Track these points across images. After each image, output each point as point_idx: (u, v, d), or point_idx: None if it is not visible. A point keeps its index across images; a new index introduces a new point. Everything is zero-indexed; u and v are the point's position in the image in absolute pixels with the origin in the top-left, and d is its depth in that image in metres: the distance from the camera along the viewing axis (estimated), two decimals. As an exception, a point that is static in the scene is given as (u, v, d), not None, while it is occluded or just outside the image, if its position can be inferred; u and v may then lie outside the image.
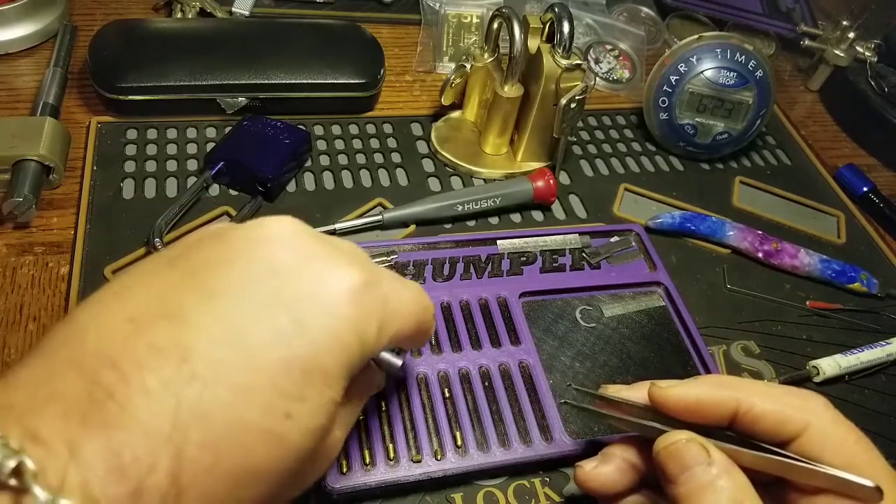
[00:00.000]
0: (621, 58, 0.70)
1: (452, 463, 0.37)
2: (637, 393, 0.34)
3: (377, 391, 0.34)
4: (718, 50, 0.58)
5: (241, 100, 0.55)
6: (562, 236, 0.50)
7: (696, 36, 0.59)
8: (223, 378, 0.22)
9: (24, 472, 0.18)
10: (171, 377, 0.21)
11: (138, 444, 0.20)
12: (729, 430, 0.31)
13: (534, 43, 0.53)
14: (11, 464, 0.18)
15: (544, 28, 0.53)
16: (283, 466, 0.23)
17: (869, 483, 0.27)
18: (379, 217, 0.50)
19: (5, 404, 0.20)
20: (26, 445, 0.19)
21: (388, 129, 0.59)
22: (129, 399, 0.20)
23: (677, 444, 0.29)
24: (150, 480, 0.20)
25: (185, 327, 0.22)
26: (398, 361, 0.30)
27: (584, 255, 0.49)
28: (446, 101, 0.58)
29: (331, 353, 0.24)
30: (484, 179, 0.56)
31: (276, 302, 0.24)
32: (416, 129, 0.60)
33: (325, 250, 0.26)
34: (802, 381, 0.46)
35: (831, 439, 0.29)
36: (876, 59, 0.71)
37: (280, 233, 0.26)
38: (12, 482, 0.18)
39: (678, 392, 0.31)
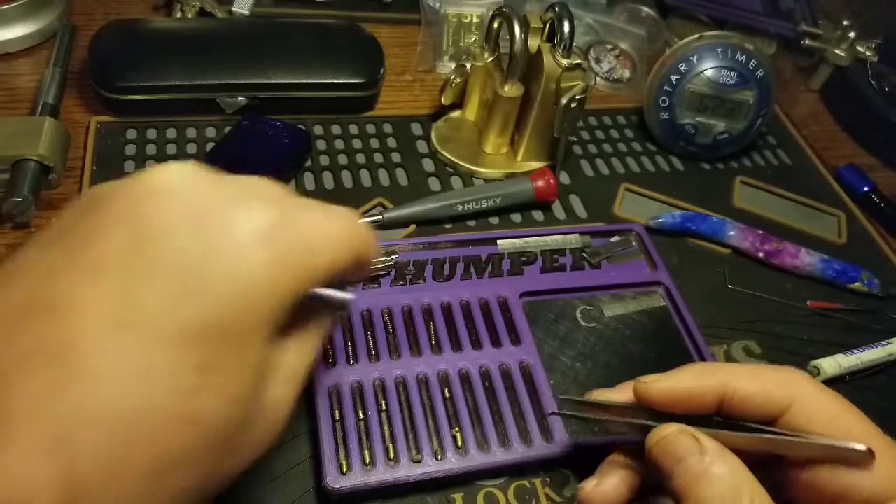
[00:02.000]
0: (622, 57, 0.70)
1: (453, 463, 0.37)
2: (624, 395, 0.34)
3: (330, 331, 0.31)
4: (719, 49, 0.58)
5: (241, 99, 0.55)
6: (562, 236, 0.50)
7: (696, 35, 0.59)
8: (115, 368, 0.19)
9: None
10: (53, 380, 0.19)
11: (18, 466, 0.18)
12: (718, 416, 0.31)
13: (534, 42, 0.53)
14: None
15: (545, 27, 0.53)
16: (207, 446, 0.21)
17: (859, 446, 0.27)
18: (379, 217, 0.50)
19: None
20: None
21: (388, 128, 0.59)
22: (9, 412, 0.18)
23: (667, 437, 0.29)
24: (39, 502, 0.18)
25: (68, 316, 0.20)
26: (343, 296, 0.27)
27: (584, 254, 0.49)
28: (446, 100, 0.58)
29: (242, 309, 0.22)
30: (484, 179, 0.56)
31: (169, 265, 0.21)
32: (416, 128, 0.59)
33: (224, 193, 0.23)
34: (803, 381, 0.46)
35: (818, 410, 0.29)
36: (877, 59, 0.70)
37: (167, 183, 0.23)
38: None
39: (663, 385, 0.31)
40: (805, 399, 0.29)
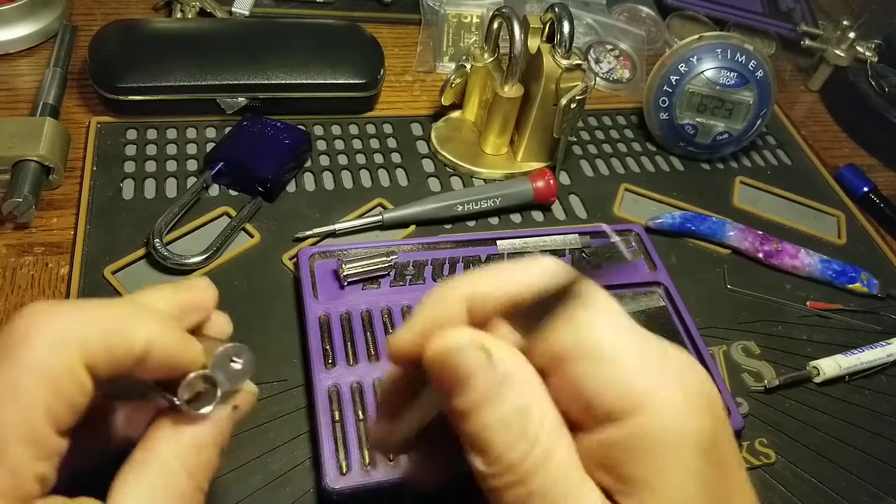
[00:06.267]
0: (621, 58, 0.70)
1: (452, 463, 0.37)
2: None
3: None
4: (719, 50, 0.58)
5: (241, 100, 0.55)
6: (562, 236, 0.50)
7: (696, 36, 0.59)
8: None
9: None
10: None
11: None
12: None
13: (534, 43, 0.53)
14: None
15: (544, 28, 0.53)
16: None
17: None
18: (379, 217, 0.50)
19: None
20: None
21: (388, 129, 0.59)
22: None
23: (449, 350, 0.23)
24: None
25: None
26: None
27: (584, 255, 0.49)
28: (446, 101, 0.58)
29: None
30: (484, 180, 0.56)
31: None
32: (416, 129, 0.59)
33: None
34: (803, 381, 0.46)
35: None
36: (876, 59, 0.70)
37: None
38: None
39: (404, 337, 0.25)
40: (541, 276, 0.24)
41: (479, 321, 0.24)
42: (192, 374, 0.24)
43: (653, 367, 0.22)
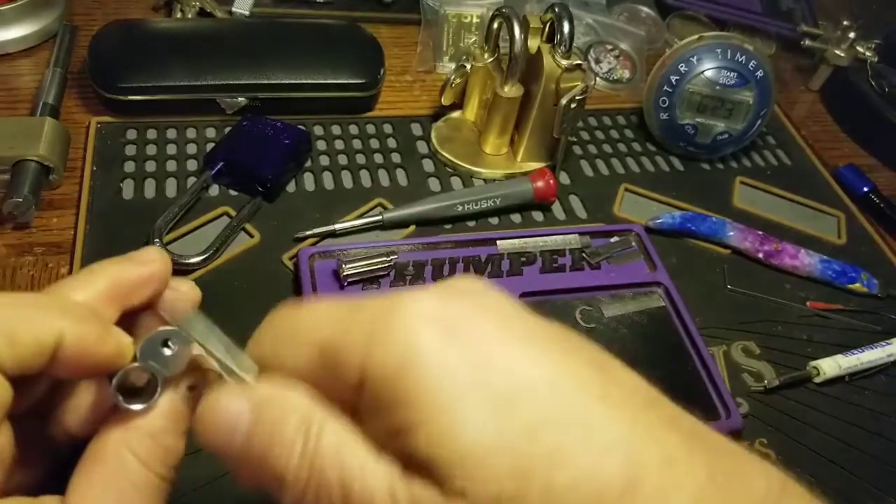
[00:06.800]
0: (621, 58, 0.70)
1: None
2: None
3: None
4: (719, 50, 0.58)
5: (241, 100, 0.55)
6: (562, 236, 0.50)
7: (696, 36, 0.59)
8: None
9: None
10: None
11: None
12: None
13: (534, 43, 0.53)
14: None
15: (544, 28, 0.53)
16: None
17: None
18: (379, 217, 0.50)
19: None
20: None
21: (388, 129, 0.59)
22: None
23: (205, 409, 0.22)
24: None
25: None
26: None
27: (584, 255, 0.49)
28: (446, 101, 0.58)
29: None
30: (484, 179, 0.56)
31: None
32: (416, 129, 0.59)
33: None
34: (803, 381, 0.46)
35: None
36: (876, 59, 0.70)
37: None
38: None
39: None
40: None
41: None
42: (126, 368, 0.23)
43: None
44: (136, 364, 0.23)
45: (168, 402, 0.24)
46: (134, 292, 0.25)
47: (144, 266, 0.26)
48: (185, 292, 0.26)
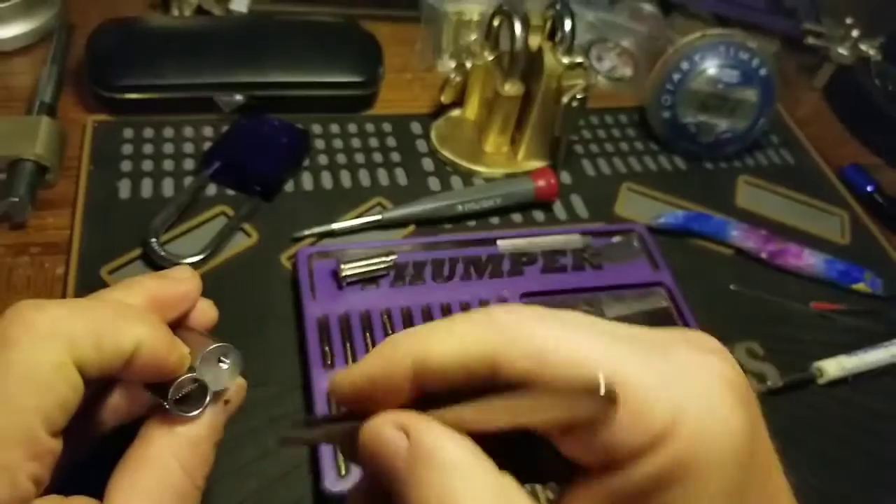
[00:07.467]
0: (623, 56, 0.69)
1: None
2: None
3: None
4: (722, 48, 0.57)
5: (239, 98, 0.54)
6: (563, 236, 0.50)
7: (699, 34, 0.58)
8: None
9: None
10: None
11: None
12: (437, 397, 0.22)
13: (535, 41, 0.52)
14: None
15: (545, 26, 0.53)
16: None
17: (599, 383, 0.18)
18: (378, 217, 0.50)
19: None
20: None
21: (387, 127, 0.58)
22: None
23: (370, 432, 0.21)
24: None
25: None
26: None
27: (585, 255, 0.49)
28: (446, 99, 0.57)
29: None
30: (484, 179, 0.56)
31: None
32: (416, 127, 0.59)
33: None
34: (806, 382, 0.46)
35: (525, 349, 0.20)
36: (881, 58, 0.70)
37: None
38: None
39: (344, 379, 0.23)
40: (505, 343, 0.20)
41: (423, 383, 0.22)
42: (182, 378, 0.24)
43: (667, 378, 0.19)
44: (193, 374, 0.24)
45: (210, 413, 0.25)
46: (169, 308, 0.27)
47: (181, 284, 0.27)
48: (206, 311, 0.28)
